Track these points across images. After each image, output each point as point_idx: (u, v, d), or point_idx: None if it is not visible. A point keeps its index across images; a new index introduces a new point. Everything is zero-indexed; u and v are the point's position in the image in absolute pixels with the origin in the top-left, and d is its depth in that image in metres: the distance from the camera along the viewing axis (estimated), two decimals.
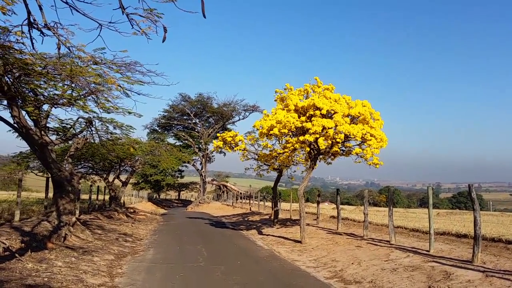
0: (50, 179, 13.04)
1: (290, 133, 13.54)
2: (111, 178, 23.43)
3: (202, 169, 55.14)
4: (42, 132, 11.48)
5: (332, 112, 12.97)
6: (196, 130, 55.74)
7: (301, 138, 12.92)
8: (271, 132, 13.29)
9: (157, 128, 58.15)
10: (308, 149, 13.49)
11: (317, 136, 12.67)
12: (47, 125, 13.33)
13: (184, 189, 75.87)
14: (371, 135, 13.03)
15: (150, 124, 56.65)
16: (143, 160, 23.98)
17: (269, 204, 28.40)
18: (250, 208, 33.82)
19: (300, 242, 13.91)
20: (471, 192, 8.22)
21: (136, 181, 60.00)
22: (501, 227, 13.28)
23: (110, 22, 5.96)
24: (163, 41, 6.19)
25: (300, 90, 14.15)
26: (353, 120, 13.83)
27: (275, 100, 14.77)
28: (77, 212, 17.83)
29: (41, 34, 6.66)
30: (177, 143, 57.85)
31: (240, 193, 51.26)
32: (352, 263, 9.74)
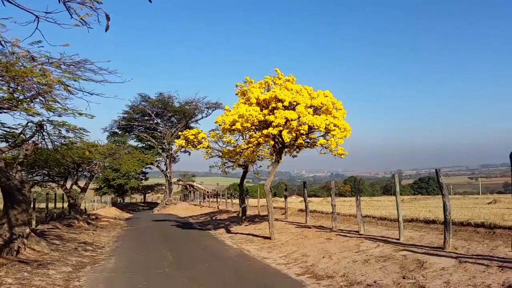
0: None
1: (253, 127, 13.16)
2: (68, 184, 22.28)
3: (167, 169, 54.01)
4: None
5: (295, 103, 12.67)
6: (158, 130, 54.51)
7: (265, 131, 12.56)
8: (233, 127, 12.84)
9: (117, 131, 56.41)
10: (272, 142, 13.16)
11: (281, 128, 12.35)
12: None
13: (149, 191, 74.28)
14: (335, 125, 12.83)
15: (109, 127, 54.91)
16: (102, 164, 22.93)
17: (236, 201, 27.99)
18: (218, 206, 33.30)
19: (269, 238, 13.59)
20: (439, 177, 8.12)
21: (98, 186, 58.06)
22: (466, 210, 13.46)
23: (47, 13, 5.36)
24: (106, 30, 5.66)
25: (261, 82, 13.78)
26: (316, 111, 13.59)
27: (236, 94, 14.34)
28: (33, 222, 16.81)
29: None
30: (140, 145, 56.40)
31: (207, 192, 50.55)
32: (323, 257, 9.50)
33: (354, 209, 16.16)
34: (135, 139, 56.47)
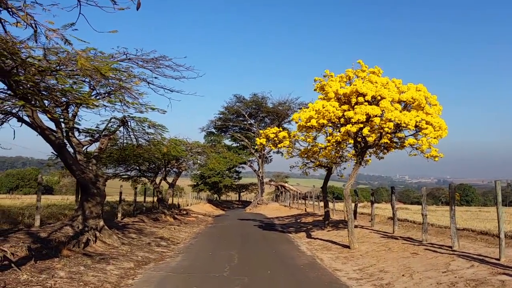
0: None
1: (331, 124, 12.01)
2: (157, 180, 23.11)
3: (259, 169, 54.33)
4: (63, 133, 10.94)
5: (379, 98, 11.26)
6: (252, 130, 55.06)
7: (343, 129, 11.36)
8: (308, 124, 11.86)
9: (214, 130, 58.30)
10: (351, 141, 11.89)
11: (361, 126, 11.04)
12: (77, 126, 12.94)
13: (244, 190, 75.70)
14: (427, 123, 11.14)
15: (206, 127, 56.96)
16: (187, 161, 23.39)
17: (331, 205, 26.59)
18: (305, 209, 32.28)
19: (348, 247, 12.34)
20: None
21: (195, 183, 60.67)
22: None
23: None
24: (137, 9, 5.23)
25: (341, 76, 12.55)
26: (406, 107, 12.02)
27: (315, 90, 13.26)
28: (119, 215, 17.54)
29: (10, 14, 5.86)
30: (234, 145, 57.65)
31: (299, 194, 49.69)
32: (403, 275, 8.08)
33: (457, 221, 14.13)
34: (229, 139, 57.88)
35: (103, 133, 13.68)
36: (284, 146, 15.81)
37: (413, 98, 11.38)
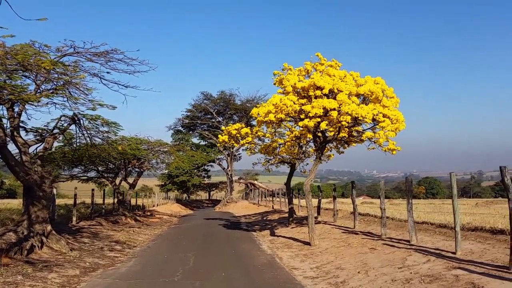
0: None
1: (288, 119, 11.73)
2: (118, 181, 22.32)
3: (228, 167, 53.81)
4: (5, 132, 10.17)
5: (336, 91, 11.05)
6: (220, 128, 54.40)
7: (300, 123, 11.09)
8: (266, 118, 11.53)
9: (181, 129, 57.38)
10: (310, 136, 11.64)
11: (318, 120, 10.80)
12: (23, 125, 12.15)
13: (214, 189, 74.97)
14: (384, 116, 11.04)
15: (173, 125, 55.98)
16: (149, 161, 22.68)
17: (295, 201, 26.43)
18: (273, 206, 32.09)
19: (309, 244, 12.10)
20: (504, 176, 6.19)
21: (162, 183, 59.56)
22: None
23: None
24: None
25: (300, 69, 12.29)
26: (364, 100, 11.88)
27: (274, 84, 12.91)
28: (74, 218, 16.74)
29: None
30: (202, 143, 56.95)
31: (268, 191, 49.52)
32: (359, 272, 7.87)
33: (420, 214, 14.15)
34: (197, 137, 57.09)
35: (53, 131, 12.94)
36: (246, 143, 15.46)
37: (370, 91, 11.23)
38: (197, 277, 8.29)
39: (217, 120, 54.65)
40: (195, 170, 56.54)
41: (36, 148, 12.22)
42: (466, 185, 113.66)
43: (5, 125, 10.40)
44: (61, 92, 10.80)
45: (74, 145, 14.80)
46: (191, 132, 57.69)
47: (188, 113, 54.68)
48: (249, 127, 15.63)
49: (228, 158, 53.08)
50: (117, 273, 8.79)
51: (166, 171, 51.78)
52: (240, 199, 56.25)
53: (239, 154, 55.69)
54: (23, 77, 9.82)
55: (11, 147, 11.56)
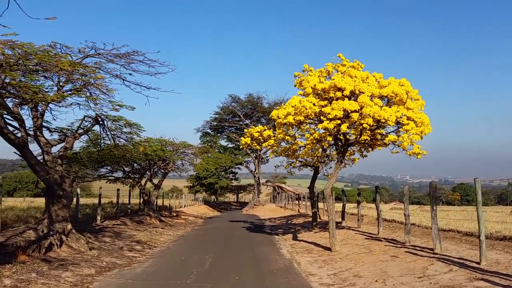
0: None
1: (308, 121, 11.47)
2: (143, 182, 22.58)
3: (255, 170, 53.73)
4: (27, 132, 10.40)
5: (358, 93, 10.72)
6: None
7: (320, 126, 10.80)
8: (284, 120, 11.32)
9: (209, 131, 57.76)
10: (330, 138, 11.33)
11: (338, 122, 10.48)
12: (47, 125, 12.42)
13: (242, 191, 75.11)
14: (408, 118, 10.61)
15: (201, 127, 56.41)
16: (174, 162, 22.82)
17: (321, 205, 25.97)
18: (299, 210, 31.72)
19: (330, 249, 11.78)
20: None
21: (191, 185, 60.12)
22: None
23: None
24: None
25: (321, 70, 12.01)
26: (388, 102, 11.48)
27: (295, 86, 12.65)
28: (98, 218, 17.00)
29: None
30: (230, 145, 57.13)
31: (295, 194, 49.09)
32: (376, 281, 7.53)
33: (448, 221, 13.55)
34: (225, 140, 57.32)
35: (77, 131, 13.18)
36: (269, 145, 15.28)
37: (394, 92, 10.83)
38: (210, 280, 8.17)
39: (244, 122, 54.67)
40: (223, 172, 56.73)
41: (67, 149, 12.44)
42: (503, 192, 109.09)
43: (27, 126, 10.64)
44: (81, 92, 10.99)
45: (98, 146, 15.06)
46: (219, 134, 58.02)
47: (216, 116, 55.01)
48: (271, 130, 15.45)
49: (256, 160, 52.99)
50: (132, 274, 8.79)
51: (194, 172, 52.37)
52: (267, 202, 56.02)
53: (267, 157, 55.51)
54: (43, 77, 10.01)
55: (35, 147, 11.88)
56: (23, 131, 10.43)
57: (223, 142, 58.31)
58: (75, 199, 16.19)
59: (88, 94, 11.40)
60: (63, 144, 12.75)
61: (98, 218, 16.57)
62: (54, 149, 12.65)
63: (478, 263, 7.36)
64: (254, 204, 50.16)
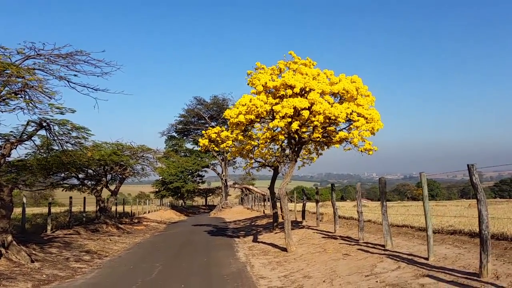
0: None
1: (258, 119, 11.21)
2: (99, 188, 21.72)
3: (222, 173, 53.25)
4: None
5: (308, 90, 10.55)
6: None
7: (271, 124, 10.57)
8: (236, 120, 11.02)
9: (175, 134, 56.89)
10: (282, 137, 11.12)
11: (289, 120, 10.28)
12: None
13: (210, 194, 74.31)
14: (359, 115, 10.52)
15: (167, 131, 55.48)
16: (133, 167, 22.13)
17: (291, 206, 25.69)
18: (264, 211, 31.53)
19: (286, 250, 11.55)
20: (472, 175, 5.67)
21: (157, 189, 58.98)
22: None
23: None
24: None
25: (272, 68, 11.79)
26: (340, 99, 11.38)
27: (248, 84, 12.42)
28: (48, 227, 16.17)
29: None
30: (196, 148, 56.40)
31: (263, 196, 48.92)
32: (324, 281, 7.32)
33: (406, 217, 13.60)
34: (191, 143, 56.54)
35: (23, 137, 12.43)
36: (227, 146, 14.92)
37: (344, 89, 10.73)
38: None
39: (210, 125, 54.13)
40: (189, 176, 55.94)
41: (4, 156, 11.64)
42: (465, 186, 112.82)
43: None
44: (18, 96, 10.34)
45: (47, 152, 14.31)
46: (185, 137, 57.22)
47: (182, 119, 54.23)
48: (229, 131, 15.12)
49: (222, 163, 52.53)
50: (70, 287, 8.25)
51: (160, 177, 51.29)
52: (236, 204, 55.64)
53: (234, 159, 55.19)
54: None
55: None
56: None
57: (189, 145, 57.57)
58: (20, 209, 15.35)
59: (27, 97, 10.76)
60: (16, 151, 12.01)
61: (48, 228, 15.76)
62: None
63: (427, 258, 7.27)
64: (222, 207, 49.65)
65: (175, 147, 56.06)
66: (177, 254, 12.85)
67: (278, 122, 10.30)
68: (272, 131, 11.02)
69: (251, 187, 58.07)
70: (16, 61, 11.00)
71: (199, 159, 53.84)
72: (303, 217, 17.79)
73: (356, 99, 10.86)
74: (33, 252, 11.25)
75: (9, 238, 10.40)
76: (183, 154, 55.89)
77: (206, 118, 52.21)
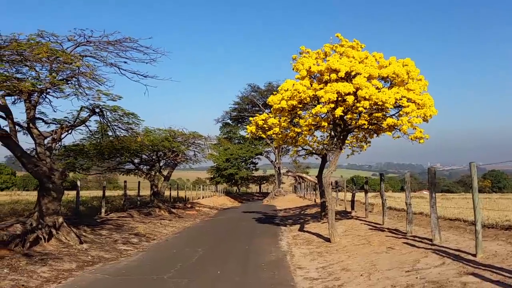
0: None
1: (301, 106, 10.85)
2: (153, 173, 22.42)
3: (275, 160, 53.25)
4: (13, 122, 10.25)
5: (354, 74, 10.03)
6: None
7: (313, 110, 10.19)
8: (278, 106, 10.76)
9: (230, 121, 57.54)
10: (325, 123, 10.70)
11: (332, 106, 9.84)
12: (41, 117, 12.28)
13: (264, 181, 74.67)
14: (408, 100, 9.85)
15: (221, 118, 56.24)
16: (186, 153, 22.57)
17: (342, 195, 25.07)
18: (315, 199, 31.08)
19: (329, 240, 11.22)
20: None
21: (212, 176, 60.19)
22: None
23: None
24: None
25: (318, 52, 11.31)
26: (391, 84, 10.74)
27: (293, 70, 12.07)
28: (102, 210, 16.91)
29: None
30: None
31: (315, 184, 48.30)
32: (361, 275, 6.96)
33: (462, 210, 12.74)
34: (245, 130, 56.92)
35: (75, 122, 13.01)
36: (274, 133, 14.72)
37: (394, 73, 10.08)
38: (190, 275, 7.79)
39: (264, 112, 54.09)
40: (243, 163, 56.47)
41: (55, 141, 12.24)
42: None
43: (15, 118, 10.48)
44: (68, 83, 10.75)
45: (101, 137, 14.91)
46: (239, 125, 57.68)
47: (236, 106, 54.72)
48: (276, 118, 14.88)
49: (276, 150, 52.43)
50: (112, 269, 8.50)
51: (215, 164, 52.20)
52: (289, 192, 55.50)
53: (287, 146, 54.90)
54: (25, 67, 9.75)
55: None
56: (10, 123, 10.31)
57: (243, 133, 57.97)
58: (74, 192, 16.16)
59: (77, 84, 11.19)
60: (65, 135, 12.63)
61: (103, 210, 16.50)
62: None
63: (474, 255, 6.67)
64: (275, 195, 49.73)
65: (229, 134, 56.73)
66: (221, 240, 12.93)
67: (321, 108, 9.91)
68: (315, 117, 10.63)
69: (304, 175, 57.44)
70: (67, 48, 11.44)
71: (253, 146, 54.13)
72: (352, 208, 17.26)
73: (407, 83, 10.19)
74: (83, 234, 11.77)
75: (60, 219, 10.94)
76: (237, 141, 56.46)
77: (260, 105, 52.20)
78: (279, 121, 12.33)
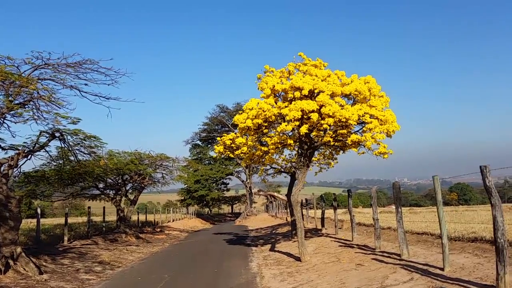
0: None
1: (266, 124, 10.82)
2: (118, 198, 21.77)
3: (246, 180, 52.99)
4: None
5: (317, 92, 10.11)
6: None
7: (278, 128, 10.15)
8: (243, 125, 10.68)
9: (199, 143, 57.12)
10: (290, 141, 10.68)
11: (297, 124, 9.85)
12: None
13: (236, 202, 74.16)
14: (371, 116, 9.99)
15: (191, 139, 55.77)
16: (153, 176, 22.09)
17: (313, 212, 25.02)
18: (286, 218, 30.95)
19: (300, 260, 11.07)
20: (485, 178, 5.11)
21: (182, 198, 59.26)
22: None
23: None
24: None
25: (281, 71, 11.40)
26: (354, 101, 10.89)
27: (258, 89, 12.09)
28: (65, 238, 16.21)
29: None
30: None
31: (287, 203, 48.27)
32: None
33: (429, 224, 12.87)
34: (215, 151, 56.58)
35: (34, 147, 12.48)
36: (242, 153, 14.61)
37: (357, 90, 10.25)
38: None
39: (234, 132, 54.05)
40: (213, 184, 55.94)
41: (11, 167, 11.67)
42: (500, 190, 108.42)
43: None
44: (25, 108, 10.35)
45: (62, 162, 14.38)
46: (209, 145, 57.32)
47: (205, 127, 54.44)
48: (244, 137, 14.80)
49: (246, 170, 52.27)
50: None
51: (185, 185, 51.40)
52: (261, 212, 55.24)
53: (257, 165, 54.87)
54: None
55: None
56: None
57: (213, 153, 57.62)
58: (35, 220, 15.45)
59: (34, 108, 10.78)
60: (23, 162, 12.08)
61: (65, 238, 15.80)
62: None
63: (442, 269, 6.68)
64: (247, 215, 49.32)
65: (199, 155, 56.25)
66: (190, 264, 12.56)
67: (286, 126, 9.89)
68: (281, 135, 10.61)
69: (275, 194, 57.51)
70: (25, 71, 11.05)
71: (224, 166, 53.77)
72: (322, 225, 17.23)
73: (369, 100, 10.36)
74: (44, 263, 11.17)
75: (18, 249, 10.34)
76: (207, 162, 56.00)
77: (229, 125, 52.10)
78: (246, 140, 12.22)
